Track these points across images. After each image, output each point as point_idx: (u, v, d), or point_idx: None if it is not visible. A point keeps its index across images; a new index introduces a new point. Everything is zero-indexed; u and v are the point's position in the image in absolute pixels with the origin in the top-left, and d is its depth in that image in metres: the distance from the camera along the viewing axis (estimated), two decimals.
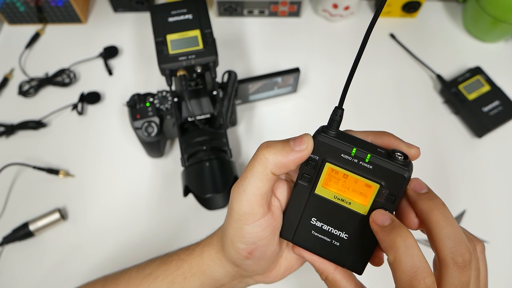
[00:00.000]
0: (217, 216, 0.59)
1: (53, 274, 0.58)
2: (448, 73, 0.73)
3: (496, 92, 0.68)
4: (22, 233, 0.58)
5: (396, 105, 0.71)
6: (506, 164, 0.66)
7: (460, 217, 0.62)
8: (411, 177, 0.27)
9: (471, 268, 0.24)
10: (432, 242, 0.25)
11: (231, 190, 0.30)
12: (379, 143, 0.29)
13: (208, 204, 0.58)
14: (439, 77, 0.71)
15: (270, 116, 0.69)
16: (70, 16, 0.76)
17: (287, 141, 0.28)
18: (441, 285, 0.24)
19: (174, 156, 0.66)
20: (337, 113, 0.27)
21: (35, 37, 0.76)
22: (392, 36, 0.77)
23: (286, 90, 0.69)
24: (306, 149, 0.27)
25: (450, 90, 0.69)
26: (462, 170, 0.66)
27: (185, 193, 0.55)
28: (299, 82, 0.69)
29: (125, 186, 0.64)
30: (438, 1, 0.82)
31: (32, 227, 0.58)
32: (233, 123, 0.67)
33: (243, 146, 0.67)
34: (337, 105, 0.27)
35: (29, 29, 0.76)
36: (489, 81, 0.69)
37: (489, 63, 0.73)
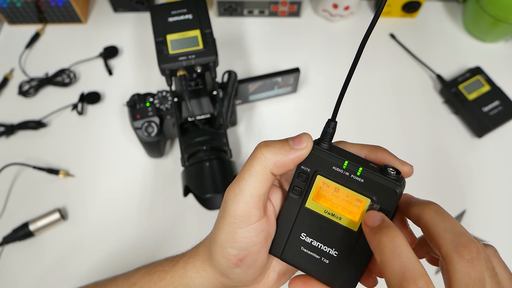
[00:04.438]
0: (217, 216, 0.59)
1: (53, 274, 0.58)
2: (448, 73, 0.73)
3: (496, 92, 0.68)
4: (22, 233, 0.58)
5: (396, 105, 0.71)
6: (506, 164, 0.66)
7: (460, 217, 0.62)
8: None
9: (481, 261, 0.21)
10: (432, 241, 0.23)
11: (225, 192, 0.29)
12: (373, 158, 0.28)
13: (208, 204, 0.58)
14: (439, 77, 0.71)
15: (270, 116, 0.69)
16: (70, 16, 0.76)
17: (285, 140, 0.27)
18: (452, 286, 0.21)
19: (174, 156, 0.66)
20: (330, 125, 0.27)
21: (35, 37, 0.75)
22: (392, 36, 0.77)
23: (286, 90, 0.69)
24: (305, 148, 0.27)
25: (450, 90, 0.69)
26: (462, 170, 0.66)
27: (185, 193, 0.55)
28: (299, 82, 0.69)
29: (125, 186, 0.64)
30: (438, 1, 0.82)
31: (32, 227, 0.58)
32: (233, 123, 0.67)
33: (243, 146, 0.67)
34: (330, 118, 0.27)
35: (29, 29, 0.76)
36: (489, 81, 0.69)
37: (489, 63, 0.73)
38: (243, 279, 0.31)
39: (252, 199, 0.27)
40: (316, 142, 0.27)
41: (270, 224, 0.29)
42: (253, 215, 0.28)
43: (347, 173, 0.27)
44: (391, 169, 0.26)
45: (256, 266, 0.30)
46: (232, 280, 0.31)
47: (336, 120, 0.27)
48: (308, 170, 0.27)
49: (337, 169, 0.27)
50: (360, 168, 0.26)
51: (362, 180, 0.26)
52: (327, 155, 0.27)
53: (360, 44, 0.24)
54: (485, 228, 0.61)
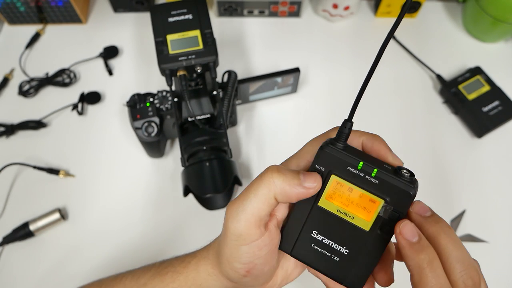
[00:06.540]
0: (217, 216, 0.59)
1: (53, 274, 0.58)
2: (448, 73, 0.73)
3: (496, 92, 0.68)
4: (22, 233, 0.58)
5: (396, 105, 0.71)
6: (506, 164, 0.66)
7: (460, 217, 0.62)
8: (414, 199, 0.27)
9: None
10: (442, 265, 0.25)
11: (226, 208, 0.29)
12: (369, 146, 0.29)
13: (208, 204, 0.58)
14: (439, 77, 0.71)
15: (270, 116, 0.69)
16: (70, 16, 0.76)
17: (297, 173, 0.28)
18: None
19: (174, 156, 0.66)
20: (346, 126, 0.27)
21: (35, 37, 0.76)
22: (392, 36, 0.77)
23: (286, 90, 0.69)
24: (313, 188, 0.27)
25: (450, 90, 0.69)
26: (462, 170, 0.66)
27: (185, 193, 0.55)
28: (299, 82, 0.69)
29: (125, 186, 0.64)
30: (438, 1, 0.82)
31: (32, 227, 0.58)
32: (233, 123, 0.67)
33: (243, 146, 0.67)
34: (346, 118, 0.27)
35: (29, 29, 0.76)
36: (489, 81, 0.69)
37: (489, 63, 0.73)
38: (253, 284, 0.32)
39: (253, 219, 0.28)
40: (332, 142, 0.27)
41: (273, 237, 0.29)
42: (254, 233, 0.28)
43: (362, 174, 0.27)
44: (405, 171, 0.27)
45: (265, 273, 0.31)
46: (244, 285, 0.32)
47: (353, 121, 0.27)
48: (323, 169, 0.28)
49: (352, 170, 0.27)
50: (375, 170, 0.26)
51: (377, 181, 0.27)
52: (343, 155, 0.27)
53: (381, 46, 0.25)
54: (484, 228, 0.61)
